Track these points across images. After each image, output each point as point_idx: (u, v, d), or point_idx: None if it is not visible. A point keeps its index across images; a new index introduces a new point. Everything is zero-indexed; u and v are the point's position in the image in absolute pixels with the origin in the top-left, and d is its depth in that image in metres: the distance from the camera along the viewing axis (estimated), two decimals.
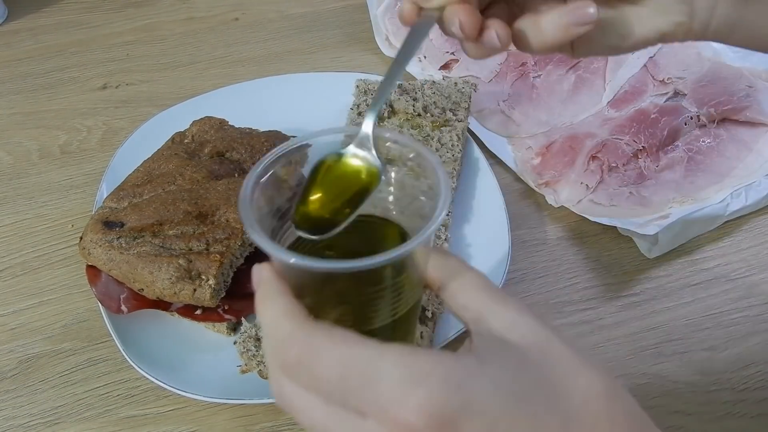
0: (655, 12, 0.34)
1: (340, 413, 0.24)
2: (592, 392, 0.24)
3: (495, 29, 0.33)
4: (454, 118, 0.64)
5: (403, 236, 0.32)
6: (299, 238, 0.30)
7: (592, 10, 0.33)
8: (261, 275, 0.28)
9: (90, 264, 0.50)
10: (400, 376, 0.22)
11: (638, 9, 0.34)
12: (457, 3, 0.32)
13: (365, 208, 0.30)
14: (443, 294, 0.28)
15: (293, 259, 0.25)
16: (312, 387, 0.25)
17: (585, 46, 0.36)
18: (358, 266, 0.25)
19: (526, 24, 0.35)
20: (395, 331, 0.31)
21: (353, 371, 0.23)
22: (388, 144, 0.31)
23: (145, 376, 0.46)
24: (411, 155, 0.31)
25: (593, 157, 0.62)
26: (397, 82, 0.50)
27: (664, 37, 0.36)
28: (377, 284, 0.28)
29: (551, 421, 0.23)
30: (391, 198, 0.33)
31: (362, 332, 0.25)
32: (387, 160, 0.31)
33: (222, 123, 0.61)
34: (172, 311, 0.49)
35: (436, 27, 0.34)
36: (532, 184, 0.62)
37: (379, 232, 0.33)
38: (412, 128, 0.62)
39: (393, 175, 0.32)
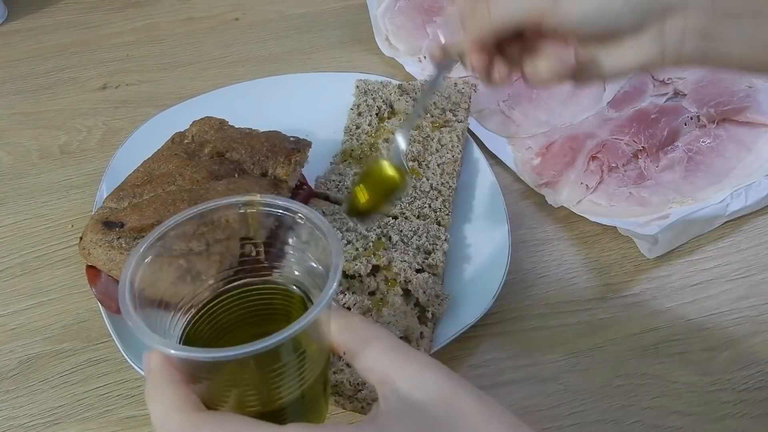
0: (631, 50, 0.39)
1: None
2: None
3: (497, 70, 0.42)
4: (454, 118, 0.64)
5: (305, 304, 0.31)
6: (191, 322, 0.29)
7: (572, 58, 0.41)
8: (150, 363, 0.27)
9: (90, 264, 0.50)
10: None
11: (617, 48, 0.40)
12: (472, 51, 0.42)
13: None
14: (349, 359, 0.28)
15: (173, 351, 0.24)
16: None
17: (581, 77, 0.42)
18: (246, 352, 0.24)
19: (527, 65, 0.43)
20: (305, 398, 0.30)
21: None
22: (279, 211, 0.31)
23: (145, 377, 0.45)
24: (300, 220, 0.31)
25: (593, 158, 0.62)
26: (422, 110, 0.56)
27: (643, 68, 0.41)
28: (276, 363, 0.27)
29: None
30: (293, 260, 0.33)
31: (271, 408, 0.25)
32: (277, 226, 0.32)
33: (222, 123, 0.61)
34: None
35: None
36: (531, 185, 0.62)
37: (281, 304, 0.33)
38: (412, 129, 0.62)
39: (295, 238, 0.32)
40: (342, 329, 0.28)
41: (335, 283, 0.26)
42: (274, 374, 0.27)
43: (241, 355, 0.24)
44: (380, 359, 0.26)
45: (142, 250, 0.28)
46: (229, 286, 0.32)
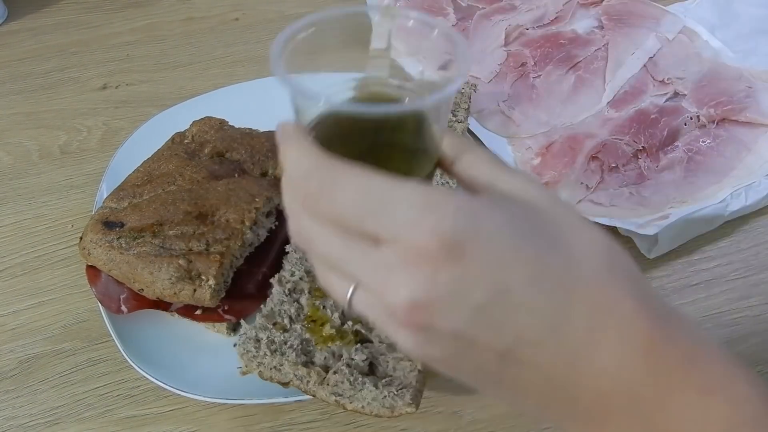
0: None
1: (356, 242, 0.25)
2: (594, 246, 0.25)
3: None
4: (454, 118, 0.64)
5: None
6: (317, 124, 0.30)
7: None
8: (285, 128, 0.28)
9: (90, 264, 0.50)
10: (415, 203, 0.23)
11: None
12: None
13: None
14: (456, 168, 0.29)
15: (332, 103, 0.27)
16: (330, 216, 0.25)
17: None
18: (385, 111, 0.26)
19: None
20: None
21: (371, 198, 0.24)
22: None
23: (145, 376, 0.46)
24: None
25: (593, 158, 0.62)
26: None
27: None
28: (399, 134, 0.29)
29: (553, 262, 0.24)
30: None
31: None
32: None
33: (222, 123, 0.61)
34: (172, 311, 0.49)
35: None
36: None
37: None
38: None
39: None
40: (453, 142, 0.29)
41: (461, 79, 0.27)
42: (394, 152, 0.29)
43: (383, 112, 0.26)
44: (487, 169, 0.28)
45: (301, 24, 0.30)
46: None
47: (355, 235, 0.25)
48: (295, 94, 0.28)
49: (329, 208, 0.25)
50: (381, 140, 0.28)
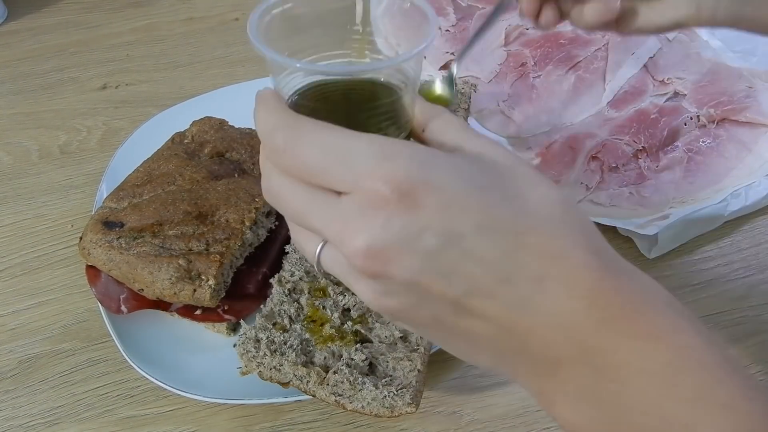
0: (670, 6, 0.47)
1: (320, 196, 0.26)
2: (548, 200, 0.26)
3: (546, 13, 0.49)
4: None
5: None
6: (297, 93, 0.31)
7: (617, 4, 0.47)
8: (261, 93, 0.29)
9: (90, 264, 0.50)
10: (372, 153, 0.25)
11: (658, 3, 0.47)
12: None
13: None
14: (426, 134, 0.30)
15: (299, 64, 0.27)
16: (294, 170, 0.27)
17: (623, 26, 0.49)
18: (357, 70, 0.27)
19: (575, 10, 0.49)
20: None
21: (331, 150, 0.25)
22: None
23: (145, 376, 0.46)
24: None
25: (593, 158, 0.62)
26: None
27: (679, 25, 0.48)
28: (370, 103, 0.30)
29: (505, 212, 0.25)
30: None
31: None
32: None
33: (222, 123, 0.61)
34: (171, 311, 0.49)
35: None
36: None
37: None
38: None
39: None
40: (425, 108, 0.30)
41: (427, 40, 0.28)
42: (367, 116, 0.30)
43: (354, 72, 0.28)
44: (455, 133, 0.29)
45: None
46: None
47: (318, 189, 0.26)
48: (270, 63, 0.29)
49: (293, 161, 0.26)
50: (354, 110, 0.29)
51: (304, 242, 0.29)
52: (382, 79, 0.30)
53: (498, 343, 0.27)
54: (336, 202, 0.26)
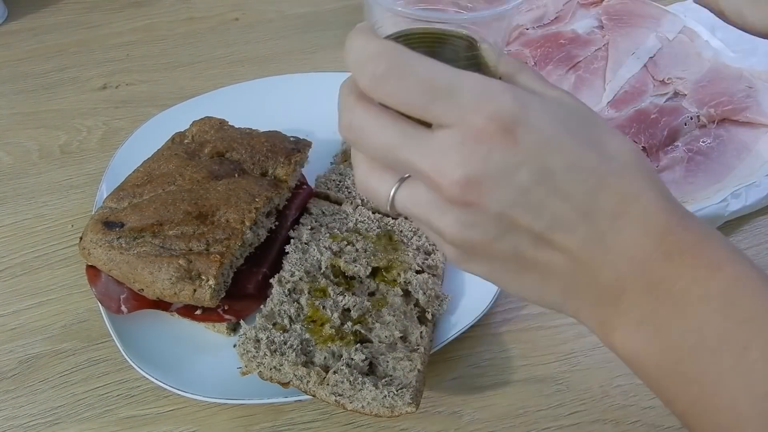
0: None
1: (411, 129, 0.27)
2: (624, 147, 0.28)
3: None
4: None
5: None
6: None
7: None
8: (358, 26, 0.30)
9: (90, 264, 0.50)
10: (478, 90, 0.26)
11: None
12: None
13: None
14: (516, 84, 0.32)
15: (400, 8, 0.28)
16: (394, 98, 0.27)
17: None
18: (460, 18, 0.28)
19: None
20: None
21: (438, 82, 0.26)
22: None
23: (145, 376, 0.46)
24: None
25: None
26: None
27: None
28: (465, 52, 0.30)
29: (591, 154, 0.27)
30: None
31: None
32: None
33: (222, 123, 0.61)
34: (172, 311, 0.49)
35: None
36: None
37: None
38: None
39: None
40: (508, 62, 0.32)
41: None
42: (459, 65, 0.30)
43: (458, 20, 0.29)
44: (538, 84, 0.30)
45: None
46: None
47: (408, 123, 0.27)
48: (370, 6, 0.30)
49: (395, 89, 0.26)
50: (447, 59, 0.29)
51: (376, 183, 0.29)
52: (473, 35, 0.31)
53: (570, 276, 0.28)
54: (430, 135, 0.26)
